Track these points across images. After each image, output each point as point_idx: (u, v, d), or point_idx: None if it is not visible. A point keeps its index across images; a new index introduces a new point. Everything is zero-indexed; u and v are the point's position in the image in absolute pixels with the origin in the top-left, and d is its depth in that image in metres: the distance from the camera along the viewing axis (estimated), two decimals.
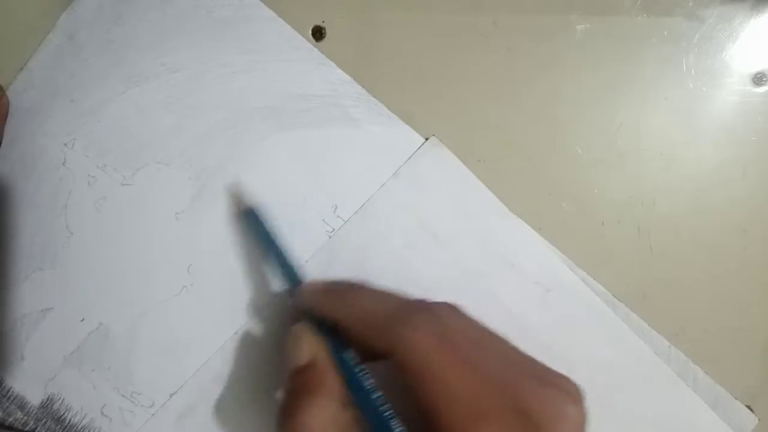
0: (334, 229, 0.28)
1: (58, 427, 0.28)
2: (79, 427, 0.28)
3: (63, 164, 0.28)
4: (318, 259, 0.28)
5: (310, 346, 0.23)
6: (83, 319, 0.28)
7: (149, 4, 0.28)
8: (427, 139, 0.28)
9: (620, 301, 0.27)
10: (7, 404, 0.28)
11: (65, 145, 0.28)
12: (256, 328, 0.28)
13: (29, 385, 0.28)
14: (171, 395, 0.27)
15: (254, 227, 0.27)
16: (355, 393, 0.22)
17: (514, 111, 0.28)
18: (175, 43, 0.28)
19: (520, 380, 0.21)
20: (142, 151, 0.28)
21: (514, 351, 0.23)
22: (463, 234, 0.28)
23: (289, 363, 0.23)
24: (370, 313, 0.23)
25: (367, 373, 0.22)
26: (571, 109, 0.28)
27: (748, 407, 0.27)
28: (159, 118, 0.28)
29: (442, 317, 0.22)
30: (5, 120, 0.29)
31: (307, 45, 0.28)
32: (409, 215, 0.28)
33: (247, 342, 0.28)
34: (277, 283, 0.28)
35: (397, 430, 0.21)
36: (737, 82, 0.28)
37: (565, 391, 0.21)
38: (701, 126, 0.28)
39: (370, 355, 0.23)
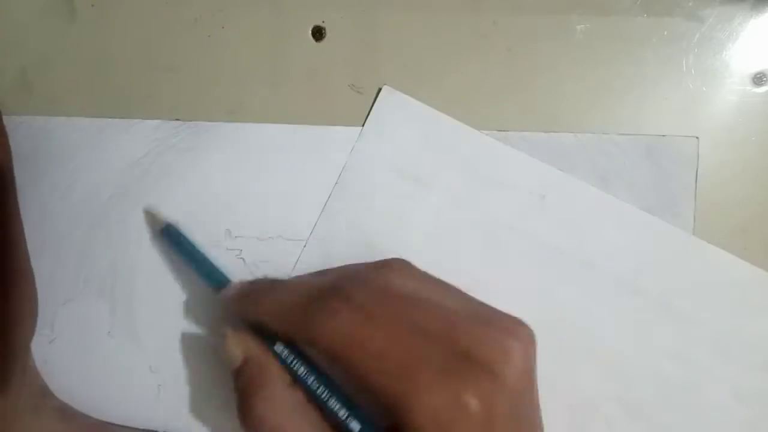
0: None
1: None
2: None
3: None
4: (316, 236, 0.28)
5: (241, 345, 0.23)
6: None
7: None
8: (380, 90, 0.28)
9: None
10: None
11: None
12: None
13: None
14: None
15: (173, 243, 0.27)
16: (295, 380, 0.23)
17: (514, 111, 0.28)
18: None
19: (457, 324, 0.21)
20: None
21: (458, 298, 0.22)
22: (444, 169, 0.28)
23: (229, 367, 0.24)
24: (287, 308, 0.23)
25: (298, 360, 0.23)
26: (571, 109, 0.28)
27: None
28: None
29: (363, 289, 0.22)
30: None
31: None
32: (387, 169, 0.28)
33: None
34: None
35: (338, 408, 0.21)
36: (737, 82, 0.28)
37: (507, 329, 0.21)
38: (701, 126, 0.28)
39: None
